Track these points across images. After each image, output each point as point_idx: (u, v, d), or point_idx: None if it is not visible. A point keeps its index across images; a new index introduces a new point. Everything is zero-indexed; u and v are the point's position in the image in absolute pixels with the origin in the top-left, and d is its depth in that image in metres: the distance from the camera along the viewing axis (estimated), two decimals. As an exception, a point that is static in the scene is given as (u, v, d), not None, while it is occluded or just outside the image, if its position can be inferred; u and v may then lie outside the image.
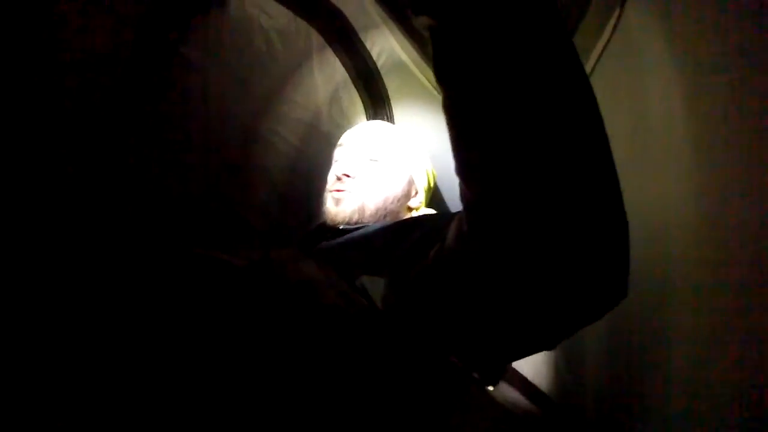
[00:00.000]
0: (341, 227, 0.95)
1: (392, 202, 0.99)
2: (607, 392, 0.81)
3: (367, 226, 0.92)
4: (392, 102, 1.21)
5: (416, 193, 1.05)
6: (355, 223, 0.95)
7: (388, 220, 0.97)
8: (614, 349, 0.79)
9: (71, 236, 0.73)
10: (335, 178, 0.99)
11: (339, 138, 1.08)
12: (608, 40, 0.79)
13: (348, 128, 1.11)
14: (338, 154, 1.05)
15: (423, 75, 1.14)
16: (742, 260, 0.51)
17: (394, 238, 0.75)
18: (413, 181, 1.04)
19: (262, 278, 0.66)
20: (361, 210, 0.96)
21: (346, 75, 1.14)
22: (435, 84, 1.09)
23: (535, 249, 0.45)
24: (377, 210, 0.97)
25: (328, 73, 1.10)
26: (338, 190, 0.98)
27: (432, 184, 1.10)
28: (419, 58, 1.09)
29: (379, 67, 1.16)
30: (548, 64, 0.42)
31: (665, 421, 0.60)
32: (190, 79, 0.88)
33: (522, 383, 0.92)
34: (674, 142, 0.63)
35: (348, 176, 0.98)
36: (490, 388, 0.85)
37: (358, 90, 1.17)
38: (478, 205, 0.48)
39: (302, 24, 1.03)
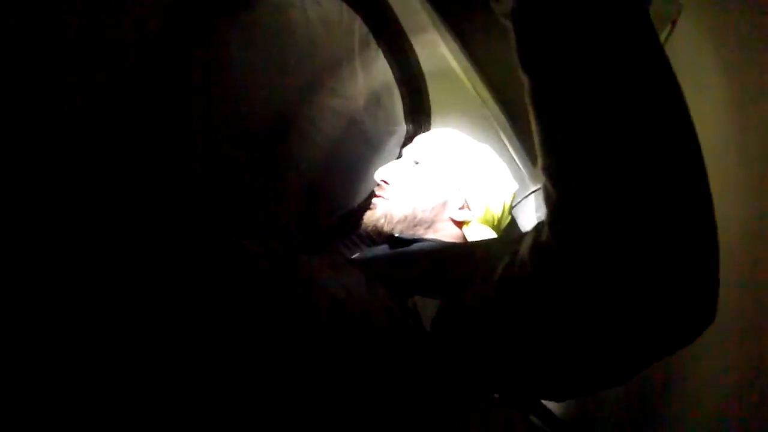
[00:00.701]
0: (396, 235, 0.92)
1: (423, 211, 0.94)
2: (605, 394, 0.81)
3: (424, 241, 0.89)
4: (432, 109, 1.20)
5: (463, 207, 0.96)
6: (382, 230, 0.94)
7: (440, 237, 0.93)
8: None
9: (97, 221, 0.73)
10: (377, 183, 0.99)
11: (377, 136, 1.10)
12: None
13: (379, 109, 1.12)
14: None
15: (470, 82, 1.11)
16: (742, 260, 0.51)
17: (453, 259, 0.70)
18: (462, 190, 0.96)
19: (288, 283, 0.67)
20: (388, 217, 0.93)
21: (390, 76, 1.12)
22: (481, 91, 1.10)
23: (626, 261, 0.40)
24: (405, 218, 0.93)
25: (372, 72, 1.09)
26: (376, 196, 0.98)
27: (503, 212, 1.02)
28: (468, 65, 1.07)
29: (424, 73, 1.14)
30: (638, 51, 0.40)
31: (665, 421, 0.60)
32: (227, 62, 0.87)
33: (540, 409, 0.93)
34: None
35: (386, 182, 0.97)
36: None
37: (401, 93, 1.15)
38: (564, 206, 0.43)
39: (348, 16, 1.00)
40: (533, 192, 1.32)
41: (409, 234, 0.93)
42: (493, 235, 0.97)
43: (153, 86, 0.77)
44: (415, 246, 0.86)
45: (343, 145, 1.12)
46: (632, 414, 0.69)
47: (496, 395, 0.70)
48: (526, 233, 0.52)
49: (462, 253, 0.73)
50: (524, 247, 0.50)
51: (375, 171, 1.16)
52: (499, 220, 1.02)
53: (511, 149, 1.24)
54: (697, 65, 0.67)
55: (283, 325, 0.59)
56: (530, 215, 1.28)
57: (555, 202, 0.44)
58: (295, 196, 1.08)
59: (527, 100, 0.45)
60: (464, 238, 0.97)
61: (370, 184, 1.19)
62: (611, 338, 0.44)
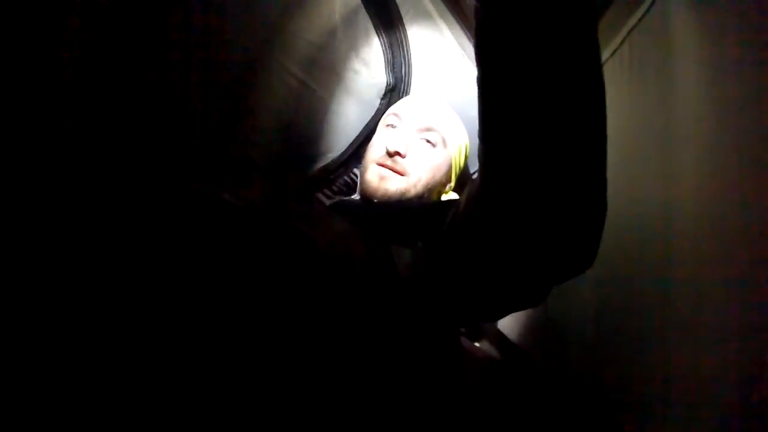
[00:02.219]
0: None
1: (432, 190, 1.00)
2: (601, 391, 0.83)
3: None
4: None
5: (449, 179, 1.04)
6: (391, 200, 0.96)
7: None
8: (614, 348, 0.80)
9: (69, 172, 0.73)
10: (385, 151, 0.96)
11: (356, 87, 1.09)
12: (641, 17, 0.79)
13: (357, 60, 1.10)
14: (391, 121, 1.02)
15: (435, 7, 1.09)
16: (743, 259, 0.53)
17: (426, 215, 0.79)
18: (452, 166, 1.04)
19: (270, 234, 0.69)
20: (405, 192, 0.95)
21: (369, 24, 1.09)
22: (443, 17, 1.09)
23: (532, 211, 0.51)
24: (417, 195, 0.97)
25: (350, 22, 1.07)
26: (385, 166, 0.96)
27: (463, 165, 1.08)
28: (446, 11, 1.06)
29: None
30: (576, 58, 0.47)
31: (665, 421, 0.62)
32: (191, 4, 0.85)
33: (502, 340, 0.98)
34: (690, 133, 0.64)
35: (400, 155, 0.96)
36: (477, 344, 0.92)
37: (369, 14, 1.09)
38: (491, 162, 0.54)
39: None
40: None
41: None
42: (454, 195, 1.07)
43: (118, 29, 0.76)
44: (396, 204, 0.93)
45: (322, 95, 1.11)
46: (632, 413, 0.72)
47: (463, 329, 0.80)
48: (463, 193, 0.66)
49: (430, 209, 0.83)
50: (462, 201, 0.64)
51: (354, 122, 1.16)
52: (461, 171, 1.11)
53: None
54: (681, 27, 0.67)
55: (268, 276, 0.63)
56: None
57: (485, 157, 0.54)
58: (271, 143, 1.08)
59: (476, 81, 0.52)
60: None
61: (349, 135, 1.19)
62: (519, 263, 0.56)
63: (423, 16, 1.11)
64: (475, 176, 0.96)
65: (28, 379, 0.52)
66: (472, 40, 0.52)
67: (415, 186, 0.96)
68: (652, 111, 0.73)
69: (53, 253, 0.63)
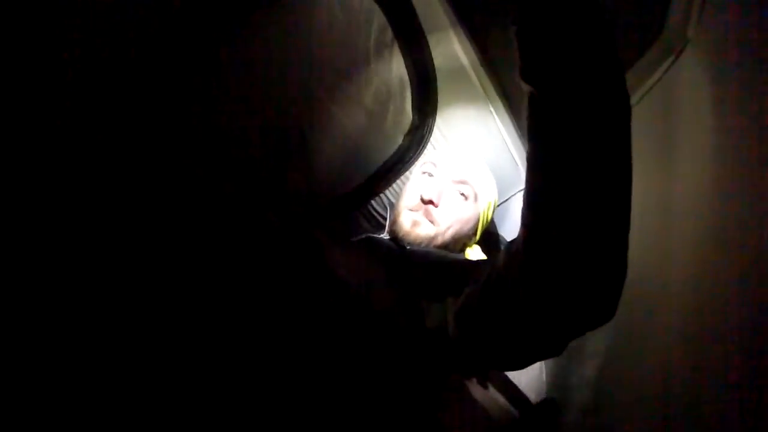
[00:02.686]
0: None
1: (458, 241, 1.06)
2: (599, 388, 0.86)
3: (431, 251, 0.98)
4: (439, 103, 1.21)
5: (475, 233, 1.10)
6: (419, 246, 1.01)
7: (448, 253, 1.02)
8: (614, 347, 0.82)
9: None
10: (420, 199, 1.01)
11: (384, 125, 1.13)
12: (656, 82, 0.84)
13: (385, 95, 1.13)
14: (428, 169, 1.09)
15: (479, 80, 1.14)
16: (743, 260, 0.55)
17: (458, 273, 0.83)
18: (480, 220, 1.10)
19: (302, 260, 0.73)
20: (433, 240, 1.01)
21: (403, 69, 1.12)
22: (486, 89, 1.14)
23: (568, 275, 0.57)
24: (443, 243, 1.03)
25: (386, 64, 1.10)
26: (417, 212, 1.02)
27: (489, 221, 1.13)
28: (478, 63, 1.10)
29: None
30: (615, 136, 0.54)
31: (665, 421, 0.63)
32: (255, 53, 0.89)
33: (505, 383, 1.00)
34: (690, 133, 0.68)
35: (434, 204, 1.01)
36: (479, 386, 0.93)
37: (408, 71, 1.14)
38: (537, 232, 0.58)
39: (368, 6, 1.01)
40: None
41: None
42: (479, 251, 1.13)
43: (176, 63, 0.79)
44: (423, 253, 0.96)
45: (350, 130, 1.13)
46: (631, 414, 0.73)
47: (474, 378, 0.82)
48: (501, 252, 0.70)
49: (461, 266, 0.87)
50: (500, 259, 0.67)
51: (376, 155, 1.19)
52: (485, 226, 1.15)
53: (510, 145, 1.29)
54: (696, 96, 0.71)
55: (294, 301, 0.69)
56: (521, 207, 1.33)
57: (530, 228, 0.59)
58: (307, 175, 1.11)
59: (527, 159, 0.58)
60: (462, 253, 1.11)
61: (368, 168, 1.22)
62: (547, 320, 0.61)
63: (453, 61, 1.14)
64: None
65: (30, 377, 0.53)
66: (513, 114, 0.58)
67: (443, 235, 1.02)
68: (659, 164, 0.77)
69: (58, 253, 0.65)
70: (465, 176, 1.07)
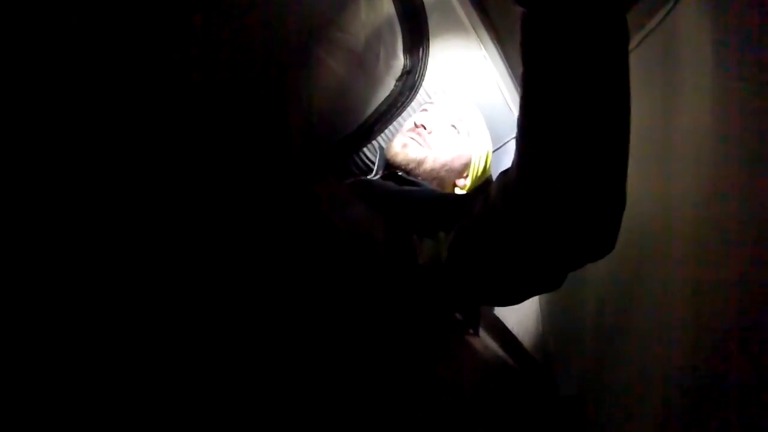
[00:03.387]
0: (410, 178, 1.03)
1: (446, 171, 1.08)
2: (598, 384, 0.84)
3: (421, 186, 1.00)
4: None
5: (467, 176, 1.12)
6: (409, 172, 1.04)
7: (438, 189, 1.04)
8: (614, 348, 0.80)
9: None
10: (413, 124, 1.07)
11: (375, 70, 1.10)
12: (655, 26, 0.81)
13: (375, 41, 1.11)
14: (426, 106, 1.13)
15: (464, 11, 1.11)
16: (743, 259, 0.54)
17: (446, 206, 0.85)
18: (471, 164, 1.12)
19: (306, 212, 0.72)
20: (420, 163, 1.05)
21: (392, 10, 1.10)
22: (472, 22, 1.12)
23: (565, 200, 0.56)
24: (432, 170, 1.06)
25: (375, 7, 1.07)
26: (410, 136, 1.06)
27: (484, 174, 1.15)
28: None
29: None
30: (610, 56, 0.52)
31: (665, 420, 0.63)
32: None
33: (502, 333, 1.01)
34: (690, 134, 0.66)
35: (425, 128, 1.05)
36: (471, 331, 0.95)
37: (398, 14, 1.11)
38: (531, 159, 0.57)
39: None
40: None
41: (419, 179, 1.05)
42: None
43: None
44: (416, 190, 0.96)
45: (342, 77, 1.11)
46: (632, 412, 0.72)
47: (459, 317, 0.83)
48: (491, 182, 0.69)
49: (452, 200, 0.89)
50: (493, 190, 0.65)
51: (367, 100, 1.17)
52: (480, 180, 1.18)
53: (504, 90, 1.26)
54: (696, 40, 0.69)
55: (286, 254, 0.67)
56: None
57: (522, 154, 0.58)
58: (298, 124, 1.09)
59: (519, 80, 0.56)
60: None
61: (360, 114, 1.20)
62: (544, 250, 0.60)
63: (445, 7, 1.12)
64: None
65: (29, 377, 0.53)
66: (510, 37, 0.56)
67: (433, 161, 1.05)
68: (656, 112, 0.76)
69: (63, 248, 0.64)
70: (461, 114, 1.11)
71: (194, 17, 0.81)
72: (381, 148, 1.24)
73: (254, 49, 0.93)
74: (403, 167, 1.05)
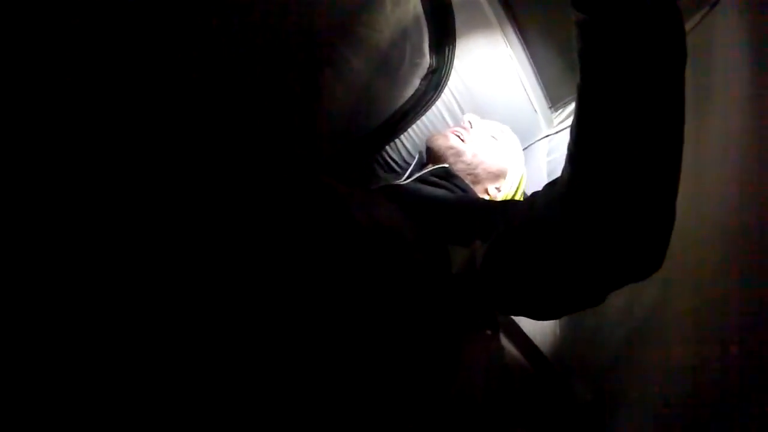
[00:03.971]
0: (427, 169, 1.04)
1: (481, 171, 1.08)
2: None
3: (456, 187, 1.00)
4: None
5: (499, 189, 1.11)
6: (447, 161, 1.06)
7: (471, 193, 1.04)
8: (615, 348, 0.81)
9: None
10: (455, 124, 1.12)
11: (400, 68, 1.11)
12: (690, 30, 0.80)
13: (401, 39, 1.11)
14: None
15: (491, 10, 1.13)
16: (743, 259, 0.55)
17: (484, 215, 0.83)
18: (505, 176, 1.12)
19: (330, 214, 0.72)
20: (459, 153, 1.07)
21: (419, 9, 1.09)
22: (492, 7, 1.14)
23: (615, 215, 0.55)
24: (468, 165, 1.07)
25: (402, 5, 1.06)
26: (452, 131, 1.11)
27: (516, 194, 1.15)
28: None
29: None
30: (672, 73, 0.51)
31: (666, 420, 0.62)
32: None
33: (519, 336, 1.00)
34: (690, 135, 0.66)
35: (471, 126, 1.10)
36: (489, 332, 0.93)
37: (425, 12, 1.10)
38: (585, 171, 0.56)
39: None
40: (546, 137, 1.34)
41: (455, 172, 1.05)
42: None
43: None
44: (450, 196, 0.96)
45: (367, 76, 1.11)
46: (632, 414, 0.72)
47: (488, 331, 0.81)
48: (537, 192, 0.69)
49: (487, 206, 0.88)
50: (540, 201, 0.65)
51: (391, 99, 1.16)
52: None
53: (529, 91, 1.25)
54: (731, 47, 0.69)
55: (315, 251, 0.66)
56: (540, 158, 1.31)
57: (576, 164, 0.57)
58: (325, 120, 1.11)
59: (576, 90, 0.55)
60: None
61: (383, 113, 1.20)
62: (591, 266, 0.58)
63: (472, 5, 1.12)
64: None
65: (30, 376, 0.52)
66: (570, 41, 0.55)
67: (472, 155, 1.07)
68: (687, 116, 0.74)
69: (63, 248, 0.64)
70: (500, 130, 1.15)
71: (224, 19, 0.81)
72: (420, 152, 1.23)
73: (284, 47, 0.93)
74: (442, 153, 1.07)
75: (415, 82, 1.20)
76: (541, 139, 1.35)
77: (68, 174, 0.67)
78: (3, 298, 0.54)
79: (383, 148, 1.24)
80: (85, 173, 0.68)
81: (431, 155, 1.10)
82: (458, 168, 1.06)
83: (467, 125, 1.11)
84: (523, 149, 1.36)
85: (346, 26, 1.02)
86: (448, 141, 1.08)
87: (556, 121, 1.37)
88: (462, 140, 1.08)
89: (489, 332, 0.83)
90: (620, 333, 0.79)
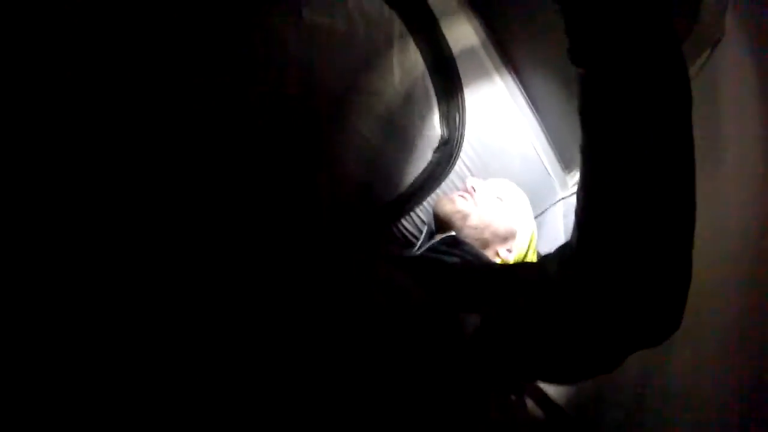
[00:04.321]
0: (438, 238, 1.02)
1: (489, 235, 1.05)
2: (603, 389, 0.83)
3: (465, 252, 0.97)
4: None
5: (510, 250, 1.08)
6: (454, 227, 1.04)
7: (481, 256, 1.01)
8: (655, 387, 0.76)
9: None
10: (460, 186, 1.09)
11: (411, 139, 1.13)
12: (694, 75, 0.81)
13: (411, 111, 1.13)
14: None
15: (491, 61, 1.15)
16: (743, 260, 0.54)
17: (494, 279, 0.80)
18: (515, 237, 1.09)
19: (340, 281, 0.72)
20: (466, 216, 1.05)
21: (424, 68, 1.11)
22: (500, 70, 1.16)
23: (627, 281, 0.52)
24: (475, 229, 1.04)
25: (407, 66, 1.08)
26: (458, 194, 1.08)
27: (528, 255, 1.12)
28: (489, 43, 1.10)
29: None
30: (679, 126, 0.49)
31: (665, 420, 0.62)
32: (272, 53, 0.89)
33: (544, 399, 0.95)
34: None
35: (474, 191, 1.07)
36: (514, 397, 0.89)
37: (433, 81, 1.13)
38: (595, 236, 0.54)
39: (386, 9, 1.01)
40: (561, 200, 1.34)
41: (464, 238, 1.03)
42: None
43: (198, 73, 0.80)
44: (457, 262, 0.94)
45: (375, 145, 1.13)
46: (632, 414, 0.71)
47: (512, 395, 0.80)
48: (547, 256, 0.67)
49: (498, 270, 0.85)
50: (551, 266, 0.63)
51: (403, 172, 1.18)
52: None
53: (541, 154, 1.26)
54: (734, 86, 0.69)
55: (326, 323, 0.67)
56: (557, 220, 1.30)
57: (585, 224, 0.55)
58: (328, 190, 1.10)
59: (580, 149, 0.54)
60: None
61: (397, 185, 1.20)
62: (607, 332, 0.56)
63: (480, 71, 1.14)
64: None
65: (30, 377, 0.53)
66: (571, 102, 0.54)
67: (479, 218, 1.05)
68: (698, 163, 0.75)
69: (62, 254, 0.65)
70: (504, 189, 1.12)
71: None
72: (428, 223, 1.22)
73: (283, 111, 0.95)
74: (449, 219, 1.05)
75: (428, 154, 1.21)
76: (557, 202, 1.34)
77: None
78: (3, 298, 0.55)
79: (398, 219, 1.24)
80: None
81: (439, 222, 1.09)
82: (466, 233, 1.04)
83: (471, 190, 1.09)
84: (540, 214, 1.35)
85: (353, 93, 1.04)
86: (455, 205, 1.06)
87: (570, 183, 1.36)
88: (467, 201, 1.07)
89: (514, 397, 0.79)
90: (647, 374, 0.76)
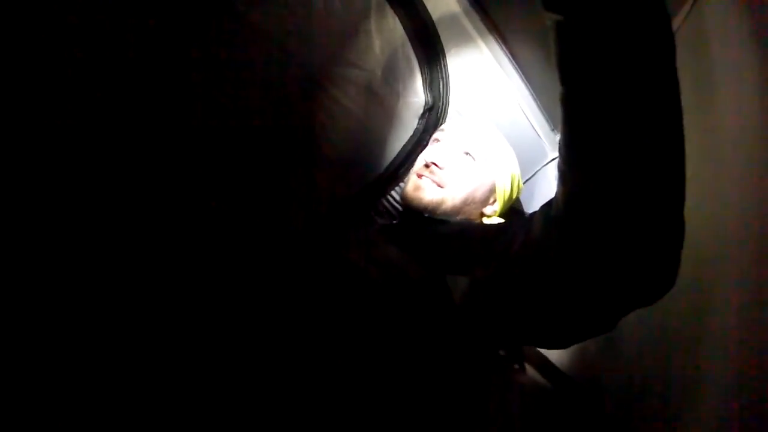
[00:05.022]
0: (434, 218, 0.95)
1: (470, 204, 0.97)
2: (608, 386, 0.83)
3: (449, 222, 0.93)
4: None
5: (494, 201, 1.02)
6: (429, 213, 0.95)
7: (467, 221, 0.97)
8: (616, 349, 0.80)
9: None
10: (423, 162, 0.97)
11: (395, 108, 1.09)
12: (679, 26, 0.79)
13: (393, 79, 1.10)
14: (437, 136, 1.03)
15: (474, 27, 1.11)
16: (742, 259, 0.53)
17: (478, 240, 0.78)
18: (495, 189, 1.01)
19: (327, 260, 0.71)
20: (438, 204, 0.94)
21: (404, 35, 1.08)
22: (482, 36, 1.11)
23: (616, 235, 0.51)
24: (454, 208, 0.95)
25: (386, 35, 1.06)
26: (421, 176, 0.96)
27: (513, 195, 1.06)
28: (470, 7, 1.07)
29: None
30: (661, 69, 0.47)
31: (666, 420, 0.62)
32: (248, 37, 0.87)
33: (546, 365, 0.96)
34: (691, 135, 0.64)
35: (437, 166, 0.95)
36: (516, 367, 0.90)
37: (414, 48, 1.10)
38: (579, 189, 0.53)
39: None
40: (552, 160, 1.33)
41: (442, 217, 0.96)
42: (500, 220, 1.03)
43: (176, 61, 0.79)
44: (444, 227, 0.90)
45: (360, 117, 1.10)
46: (633, 414, 0.71)
47: (502, 352, 0.83)
48: (534, 214, 0.65)
49: (484, 234, 0.82)
50: (536, 225, 0.61)
51: (389, 143, 1.16)
52: (510, 202, 1.08)
53: (529, 115, 1.24)
54: (726, 35, 0.68)
55: (320, 301, 0.68)
56: (550, 182, 1.29)
57: (572, 183, 0.54)
58: (323, 170, 1.09)
59: (560, 102, 0.52)
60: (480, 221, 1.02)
61: (384, 157, 1.18)
62: (597, 291, 0.55)
63: (462, 36, 1.11)
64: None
65: (31, 377, 0.53)
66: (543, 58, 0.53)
67: (452, 198, 0.95)
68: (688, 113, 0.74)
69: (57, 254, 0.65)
70: (474, 140, 1.00)
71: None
72: None
73: (263, 91, 0.93)
74: (422, 209, 0.95)
75: (413, 122, 1.18)
76: (548, 163, 1.33)
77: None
78: (4, 298, 0.55)
79: (388, 192, 1.22)
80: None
81: (409, 210, 0.99)
82: (442, 214, 0.96)
83: (438, 164, 0.96)
84: (531, 176, 1.34)
85: (334, 66, 1.02)
86: (422, 200, 0.94)
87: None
88: (439, 185, 0.95)
89: (516, 366, 0.80)
90: (656, 344, 0.76)
